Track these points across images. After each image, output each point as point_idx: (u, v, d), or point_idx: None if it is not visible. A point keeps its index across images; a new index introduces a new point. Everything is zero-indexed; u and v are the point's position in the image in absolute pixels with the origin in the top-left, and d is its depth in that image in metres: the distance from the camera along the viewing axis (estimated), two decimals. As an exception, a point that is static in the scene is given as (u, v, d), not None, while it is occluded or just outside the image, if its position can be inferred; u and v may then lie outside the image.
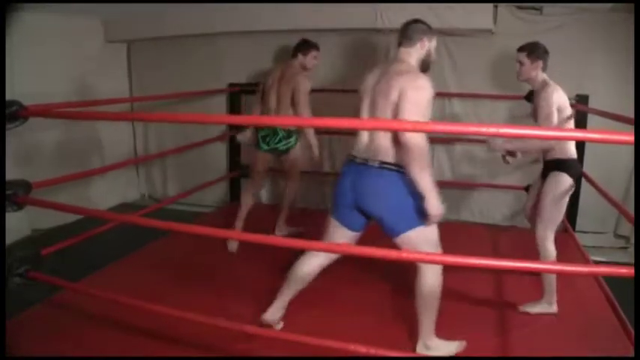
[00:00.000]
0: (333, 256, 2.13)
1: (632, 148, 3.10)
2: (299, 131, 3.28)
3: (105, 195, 4.60)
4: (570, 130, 2.55)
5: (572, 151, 2.50)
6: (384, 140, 1.92)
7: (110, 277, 2.77)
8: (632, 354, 1.90)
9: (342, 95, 3.70)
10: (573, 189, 2.49)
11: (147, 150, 5.02)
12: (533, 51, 2.49)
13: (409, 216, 1.93)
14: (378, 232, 2.00)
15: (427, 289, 1.99)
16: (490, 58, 3.84)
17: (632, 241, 3.73)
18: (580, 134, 1.68)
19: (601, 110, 2.66)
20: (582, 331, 2.30)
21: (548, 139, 2.29)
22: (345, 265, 2.18)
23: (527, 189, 3.11)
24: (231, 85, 4.44)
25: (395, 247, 1.95)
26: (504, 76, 3.55)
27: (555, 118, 2.37)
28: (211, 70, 4.54)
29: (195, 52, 4.61)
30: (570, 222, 3.59)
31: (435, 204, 1.86)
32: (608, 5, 3.47)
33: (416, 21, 2.08)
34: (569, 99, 2.55)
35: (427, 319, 2.05)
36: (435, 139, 3.63)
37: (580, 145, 3.37)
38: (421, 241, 1.94)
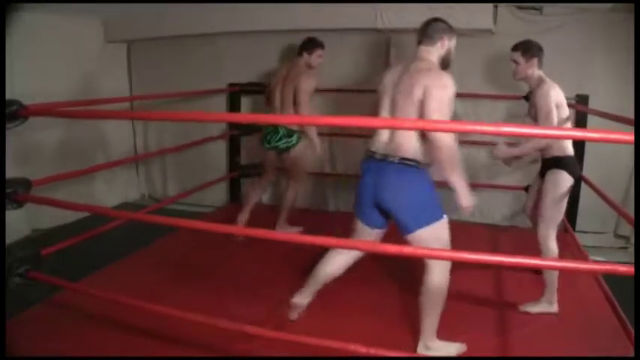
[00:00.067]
0: (355, 254, 2.17)
1: (632, 148, 3.11)
2: (302, 130, 3.27)
3: (105, 195, 4.60)
4: (571, 129, 2.55)
5: (569, 148, 2.50)
6: (405, 137, 1.93)
7: (110, 277, 2.77)
8: (632, 354, 1.91)
9: (342, 95, 3.68)
10: (572, 186, 2.48)
11: (147, 150, 5.01)
12: (528, 49, 2.49)
13: (424, 213, 1.96)
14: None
15: (434, 286, 2.00)
16: (490, 58, 3.83)
17: (632, 241, 3.73)
18: (581, 133, 1.68)
19: (601, 111, 2.66)
20: (582, 331, 2.29)
21: (548, 138, 2.29)
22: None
23: (526, 189, 3.11)
24: (231, 85, 4.43)
25: (405, 244, 1.96)
26: (504, 76, 3.52)
27: (555, 116, 2.36)
28: (211, 70, 4.53)
29: (195, 52, 4.61)
30: (570, 222, 3.59)
31: (466, 196, 1.92)
32: (608, 5, 3.46)
33: (436, 20, 2.09)
34: (569, 99, 2.55)
35: (431, 319, 2.05)
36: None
37: (580, 145, 3.37)
38: (433, 239, 1.96)
